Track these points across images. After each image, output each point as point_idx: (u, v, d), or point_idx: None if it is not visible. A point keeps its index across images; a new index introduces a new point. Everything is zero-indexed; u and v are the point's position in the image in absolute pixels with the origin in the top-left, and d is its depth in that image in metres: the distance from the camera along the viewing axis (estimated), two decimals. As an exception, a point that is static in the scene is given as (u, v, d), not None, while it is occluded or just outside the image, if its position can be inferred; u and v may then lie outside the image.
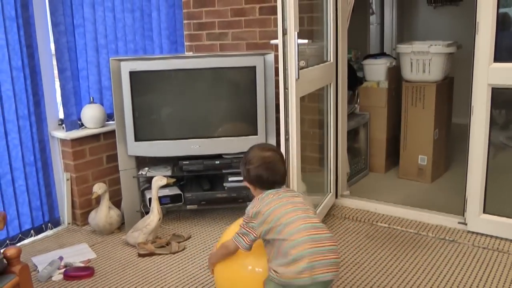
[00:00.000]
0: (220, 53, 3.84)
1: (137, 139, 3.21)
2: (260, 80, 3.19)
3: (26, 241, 3.21)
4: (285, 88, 2.69)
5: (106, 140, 3.50)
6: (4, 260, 2.10)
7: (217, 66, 3.22)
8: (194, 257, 2.95)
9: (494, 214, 2.98)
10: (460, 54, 4.00)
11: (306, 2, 3.39)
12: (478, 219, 3.02)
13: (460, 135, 3.92)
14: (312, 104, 3.47)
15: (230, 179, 3.34)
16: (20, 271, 2.12)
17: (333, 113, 3.46)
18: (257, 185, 2.10)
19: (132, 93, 3.15)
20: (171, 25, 3.92)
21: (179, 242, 3.09)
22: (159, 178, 3.07)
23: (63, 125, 3.34)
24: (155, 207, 3.03)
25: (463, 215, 3.10)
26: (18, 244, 3.14)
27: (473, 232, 3.05)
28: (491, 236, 2.99)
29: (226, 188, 3.35)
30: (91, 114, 3.38)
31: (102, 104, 3.51)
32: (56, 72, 3.30)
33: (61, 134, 3.32)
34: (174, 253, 3.00)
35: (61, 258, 2.90)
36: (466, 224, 3.09)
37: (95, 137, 3.44)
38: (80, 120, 3.42)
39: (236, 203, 3.32)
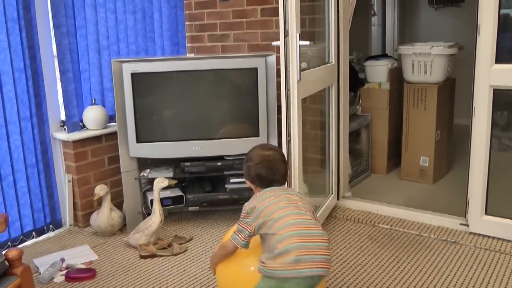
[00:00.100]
0: (221, 54, 3.84)
1: (138, 140, 3.21)
2: (261, 81, 3.19)
3: (27, 243, 3.22)
4: (287, 89, 2.70)
5: (108, 141, 3.50)
6: (6, 262, 2.10)
7: (219, 67, 3.22)
8: (196, 259, 2.95)
9: (496, 216, 2.98)
10: (461, 55, 4.00)
11: (308, 4, 3.39)
12: (480, 221, 3.02)
13: (462, 136, 3.92)
14: (314, 106, 3.47)
15: (231, 180, 3.34)
16: (21, 273, 2.12)
17: (334, 114, 3.46)
18: (257, 182, 2.12)
19: (134, 95, 3.15)
20: (173, 26, 3.93)
21: (180, 244, 3.09)
22: (161, 180, 3.07)
23: (65, 127, 3.34)
24: (156, 209, 3.03)
25: (465, 217, 3.10)
26: (20, 246, 3.14)
27: (475, 234, 3.05)
28: (493, 238, 2.98)
29: (227, 189, 3.35)
30: (93, 115, 3.38)
31: (104, 105, 3.51)
32: (58, 73, 3.30)
33: (63, 135, 3.32)
34: (175, 254, 3.00)
35: (62, 260, 2.91)
36: (468, 226, 3.08)
37: (97, 138, 3.44)
38: (82, 121, 3.42)
39: (238, 205, 3.26)
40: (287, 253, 1.84)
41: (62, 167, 3.42)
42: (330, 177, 3.54)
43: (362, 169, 4.15)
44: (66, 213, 3.43)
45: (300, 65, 2.66)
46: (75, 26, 3.33)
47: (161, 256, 2.98)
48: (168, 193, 3.36)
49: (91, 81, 3.44)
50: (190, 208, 3.37)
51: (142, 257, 2.97)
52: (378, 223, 3.30)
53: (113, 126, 3.43)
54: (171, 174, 3.34)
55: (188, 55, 4.01)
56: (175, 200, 3.36)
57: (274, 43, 3.57)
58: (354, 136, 3.99)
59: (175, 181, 3.16)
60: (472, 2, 2.91)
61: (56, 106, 3.38)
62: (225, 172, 3.32)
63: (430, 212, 3.29)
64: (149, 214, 3.14)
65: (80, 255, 3.03)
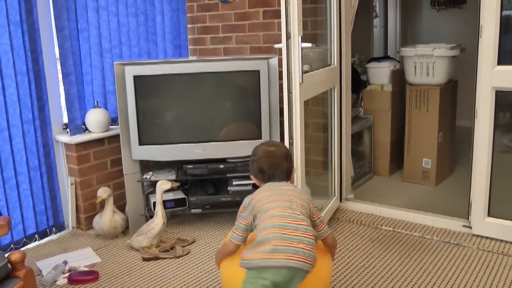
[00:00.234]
0: (224, 57, 3.84)
1: (141, 143, 3.22)
2: (264, 84, 3.19)
3: (30, 246, 3.22)
4: (289, 92, 2.70)
5: (110, 144, 3.50)
6: (9, 265, 2.11)
7: (221, 70, 3.22)
8: (199, 261, 2.95)
9: (498, 217, 2.97)
10: (464, 57, 3.99)
11: (310, 6, 3.39)
12: (482, 222, 3.01)
13: (464, 138, 3.91)
14: (316, 108, 3.47)
15: (234, 183, 3.34)
16: (24, 276, 2.13)
17: (337, 116, 3.46)
18: (259, 177, 2.15)
19: (136, 97, 3.16)
20: (175, 29, 3.94)
21: (183, 246, 3.09)
22: (164, 182, 3.07)
23: (68, 130, 3.35)
24: (159, 211, 3.04)
25: (468, 218, 3.10)
26: (23, 249, 3.15)
27: (477, 236, 3.04)
28: (496, 239, 2.98)
29: (230, 192, 3.35)
30: (95, 118, 3.39)
31: (106, 108, 3.52)
32: (60, 76, 3.32)
33: (65, 138, 3.33)
34: (178, 257, 3.00)
35: (65, 263, 2.91)
36: (470, 227, 3.08)
37: (99, 141, 3.45)
38: (84, 124, 3.43)
39: (240, 207, 3.31)
40: (266, 242, 1.87)
41: (64, 170, 3.42)
42: (332, 179, 3.54)
43: (364, 171, 4.14)
44: (69, 216, 3.43)
45: (302, 68, 2.67)
46: (78, 29, 3.34)
47: (164, 258, 2.98)
48: (171, 196, 3.36)
49: (93, 84, 3.45)
50: (193, 211, 3.37)
51: (144, 259, 2.97)
52: (381, 225, 3.30)
53: (116, 129, 3.44)
54: (173, 177, 3.34)
55: (190, 58, 4.01)
56: (178, 203, 3.36)
57: (276, 45, 3.56)
58: (356, 138, 3.98)
59: (177, 184, 3.17)
60: (474, 4, 2.91)
61: (59, 109, 3.39)
62: (228, 175, 3.32)
63: (433, 214, 3.29)
64: (151, 216, 3.15)
65: (83, 257, 3.03)
